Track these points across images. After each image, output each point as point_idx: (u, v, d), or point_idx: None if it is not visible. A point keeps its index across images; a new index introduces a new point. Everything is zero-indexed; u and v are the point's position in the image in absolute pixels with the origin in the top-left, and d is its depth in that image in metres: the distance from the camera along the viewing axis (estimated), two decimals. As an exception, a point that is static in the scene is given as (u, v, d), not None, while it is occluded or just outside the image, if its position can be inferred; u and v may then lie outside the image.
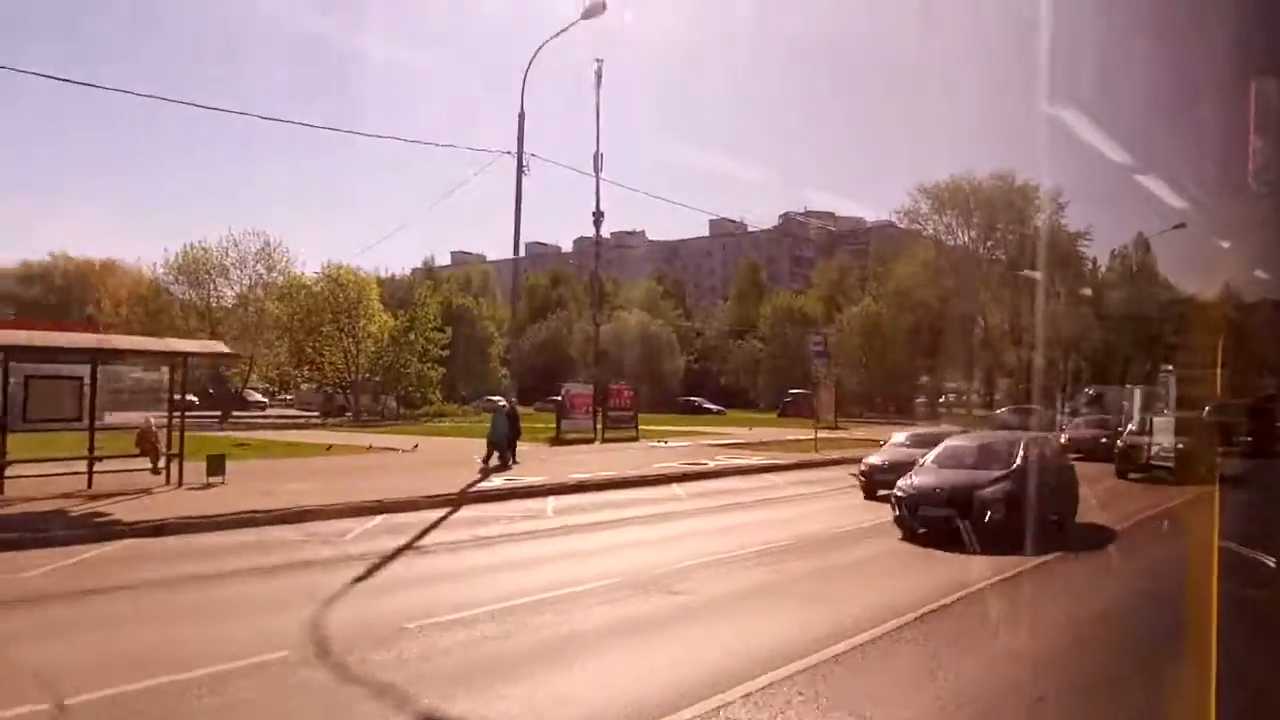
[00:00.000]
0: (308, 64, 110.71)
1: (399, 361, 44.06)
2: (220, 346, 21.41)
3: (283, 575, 9.99)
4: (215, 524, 12.46)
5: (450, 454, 24.37)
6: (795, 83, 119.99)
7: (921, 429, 21.77)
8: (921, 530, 12.48)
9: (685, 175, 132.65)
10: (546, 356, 76.01)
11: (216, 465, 16.44)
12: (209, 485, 15.95)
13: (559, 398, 31.44)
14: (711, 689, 6.12)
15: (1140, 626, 8.10)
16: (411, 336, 44.48)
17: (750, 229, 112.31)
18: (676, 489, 18.70)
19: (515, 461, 22.20)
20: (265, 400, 52.35)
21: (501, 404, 24.89)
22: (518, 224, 24.40)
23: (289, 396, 53.25)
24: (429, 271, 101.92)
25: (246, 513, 13.17)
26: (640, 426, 34.86)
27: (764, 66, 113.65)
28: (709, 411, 59.97)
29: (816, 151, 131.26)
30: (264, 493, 15.02)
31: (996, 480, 12.36)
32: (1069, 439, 25.87)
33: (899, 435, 19.56)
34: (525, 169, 23.91)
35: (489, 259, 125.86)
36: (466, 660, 6.82)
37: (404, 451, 25.37)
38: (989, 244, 57.54)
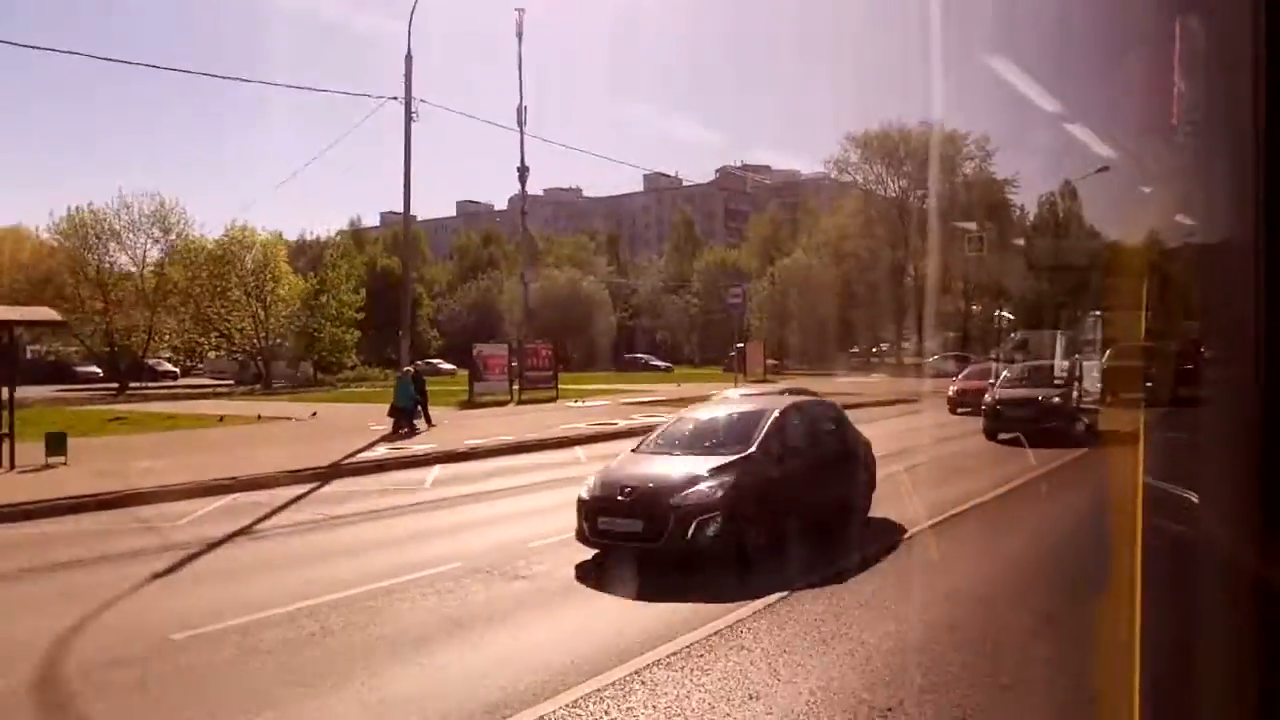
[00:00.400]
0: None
1: (311, 326, 41.87)
2: (48, 314, 19.27)
3: (73, 572, 8.60)
4: (22, 513, 10.95)
5: (349, 422, 22.91)
6: (733, 37, 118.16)
7: (764, 387, 20.80)
8: (601, 548, 8.33)
9: (627, 133, 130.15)
10: (478, 317, 74.09)
11: (56, 444, 14.78)
12: (47, 466, 14.33)
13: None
14: (535, 696, 5.18)
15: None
16: (323, 299, 42.27)
17: (686, 184, 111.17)
18: (579, 452, 17.56)
19: (429, 426, 21.24)
20: (176, 370, 49.74)
21: (405, 369, 23.46)
22: (407, 177, 22.76)
23: (202, 366, 50.73)
24: (355, 233, 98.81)
25: (71, 498, 11.67)
26: (568, 386, 33.67)
27: (705, 20, 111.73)
28: (657, 368, 59.29)
29: (756, 107, 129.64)
30: (105, 474, 13.48)
31: (711, 476, 8.12)
32: (955, 391, 24.42)
33: (732, 392, 18.25)
34: (415, 116, 22.23)
35: (420, 219, 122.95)
36: (223, 683, 5.60)
37: (298, 421, 23.79)
38: (919, 193, 57.09)
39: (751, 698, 5.10)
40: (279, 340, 41.81)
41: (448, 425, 21.96)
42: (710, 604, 6.84)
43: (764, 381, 40.08)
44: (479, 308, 75.93)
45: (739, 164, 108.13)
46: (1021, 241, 67.31)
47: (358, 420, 22.91)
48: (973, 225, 68.36)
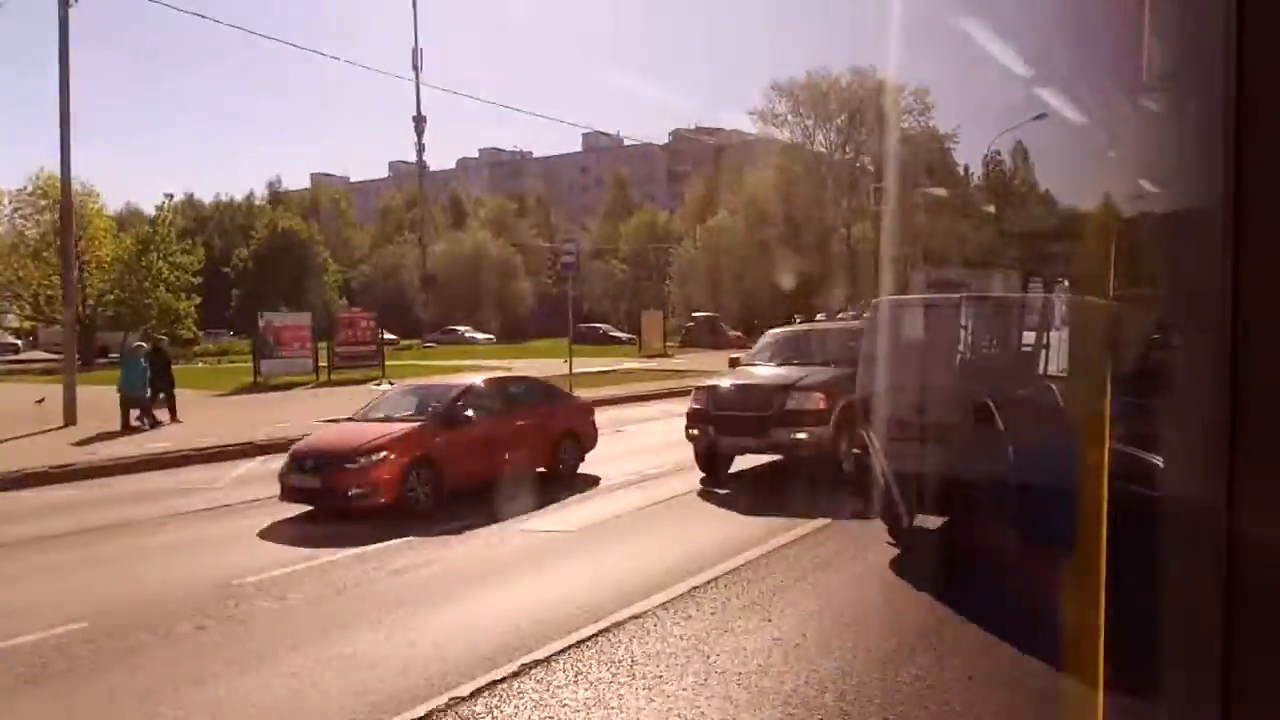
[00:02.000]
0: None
1: (138, 292, 36.34)
2: None
3: None
4: None
5: (90, 407, 17.56)
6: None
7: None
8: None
9: (587, 97, 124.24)
10: (394, 283, 68.74)
11: None
12: None
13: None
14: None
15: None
16: (147, 261, 36.68)
17: (627, 143, 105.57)
18: (239, 469, 12.53)
19: (174, 419, 17.04)
20: (17, 343, 44.22)
21: (138, 345, 18.61)
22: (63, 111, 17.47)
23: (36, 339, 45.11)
24: (274, 195, 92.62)
25: None
26: (439, 361, 28.83)
27: None
28: (618, 340, 52.24)
29: (726, 71, 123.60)
30: None
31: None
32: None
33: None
34: None
35: (353, 180, 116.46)
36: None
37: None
38: (851, 148, 52.49)
39: None
40: (100, 309, 36.31)
41: (189, 420, 17.10)
42: None
43: (661, 356, 35.64)
44: (394, 274, 70.57)
45: (693, 126, 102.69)
46: (992, 208, 64.14)
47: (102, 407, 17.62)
48: (942, 190, 64.61)
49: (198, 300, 39.78)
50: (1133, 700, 1.64)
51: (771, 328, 40.67)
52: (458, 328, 52.16)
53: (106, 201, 37.43)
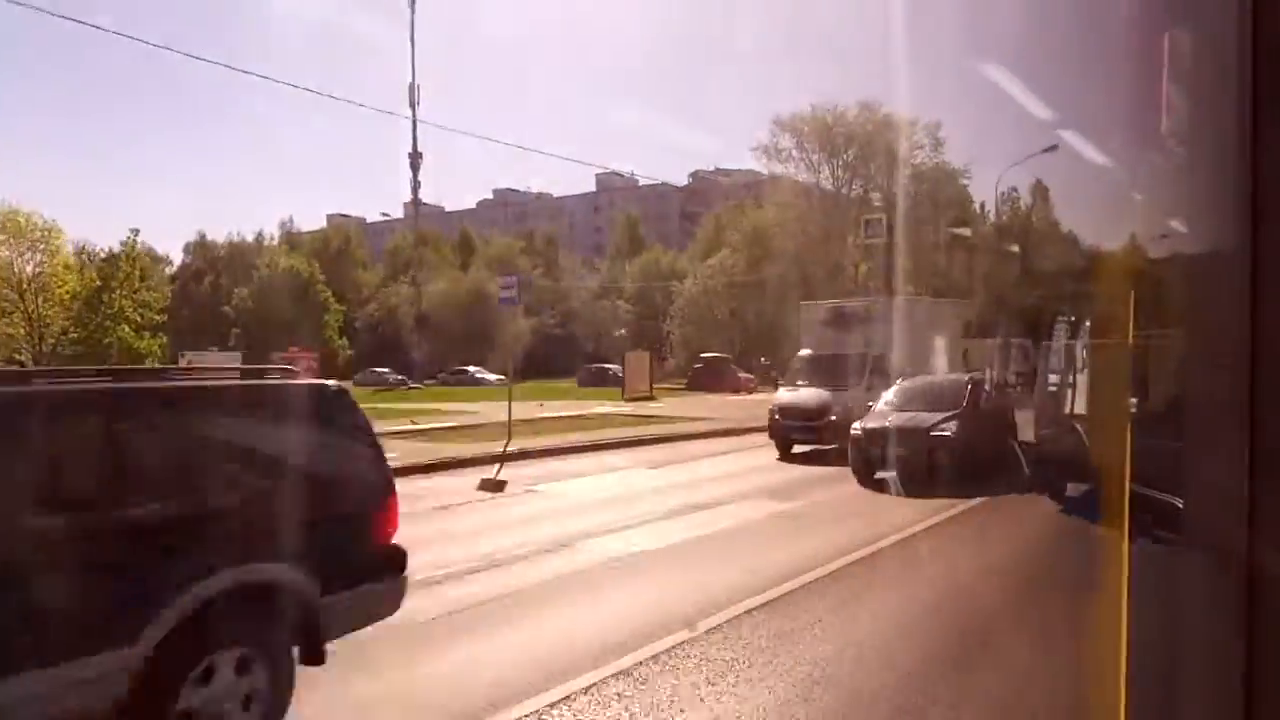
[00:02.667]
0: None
1: (98, 330, 34.92)
2: None
3: None
4: None
5: None
6: (718, 38, 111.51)
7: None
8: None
9: (608, 138, 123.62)
10: (393, 324, 67.48)
11: None
12: None
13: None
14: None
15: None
16: (108, 298, 35.32)
17: (642, 183, 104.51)
18: None
19: None
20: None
21: None
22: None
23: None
24: (287, 235, 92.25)
25: None
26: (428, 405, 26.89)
27: (694, 20, 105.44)
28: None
29: (747, 114, 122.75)
30: None
31: None
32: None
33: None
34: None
35: (369, 220, 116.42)
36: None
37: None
38: (857, 182, 50.42)
39: None
40: (60, 348, 34.90)
41: None
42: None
43: (645, 399, 33.42)
44: (395, 315, 69.30)
45: (712, 169, 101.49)
46: (1016, 248, 61.94)
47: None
48: (966, 231, 62.33)
49: (163, 340, 38.27)
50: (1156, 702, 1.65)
51: (772, 367, 37.11)
52: (469, 368, 50.37)
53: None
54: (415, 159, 51.48)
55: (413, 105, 49.82)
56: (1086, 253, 65.66)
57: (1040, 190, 66.64)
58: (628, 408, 27.72)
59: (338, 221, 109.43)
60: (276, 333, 63.10)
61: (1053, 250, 63.03)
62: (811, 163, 49.91)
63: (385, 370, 50.50)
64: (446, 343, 54.06)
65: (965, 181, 53.13)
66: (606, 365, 47.76)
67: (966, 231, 63.00)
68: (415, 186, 51.95)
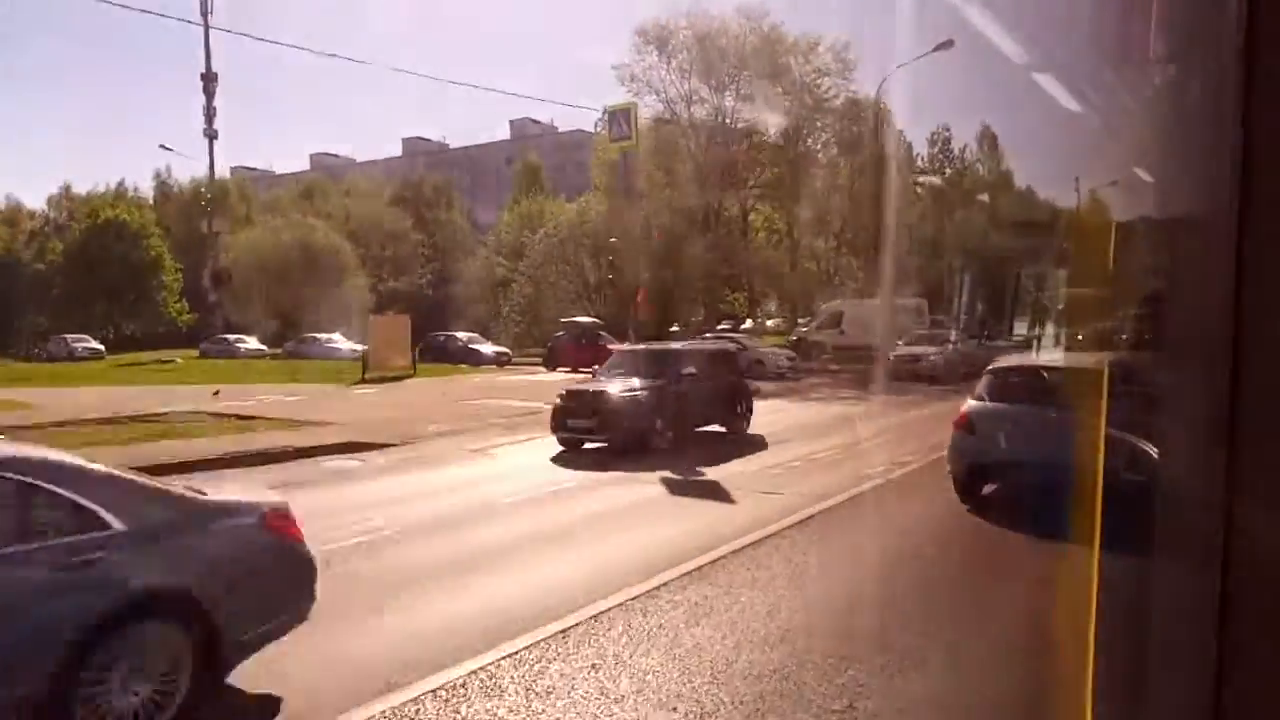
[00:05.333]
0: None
1: None
2: None
3: None
4: None
5: None
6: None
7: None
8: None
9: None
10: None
11: None
12: None
13: None
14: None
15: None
16: None
17: (560, 131, 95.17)
18: None
19: None
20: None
21: None
22: None
23: None
24: (161, 185, 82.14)
25: None
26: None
27: None
28: (479, 356, 36.82)
29: None
30: None
31: None
32: None
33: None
34: None
35: (278, 173, 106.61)
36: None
37: None
38: (736, 107, 41.84)
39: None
40: None
41: None
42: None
43: (395, 379, 25.12)
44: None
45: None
46: (985, 197, 54.62)
47: None
48: (936, 179, 54.57)
49: None
50: (1124, 691, 1.59)
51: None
52: (228, 336, 41.69)
53: None
54: (209, 82, 42.29)
55: (204, 13, 40.70)
56: (1045, 205, 58.63)
57: (989, 137, 58.89)
58: (301, 398, 19.21)
59: (240, 174, 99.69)
60: (92, 297, 54.41)
61: (1005, 203, 55.65)
62: (688, 89, 41.20)
63: (234, 337, 41.33)
64: (256, 303, 45.30)
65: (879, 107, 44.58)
66: (456, 334, 38.33)
67: (936, 180, 55.19)
68: (210, 113, 42.62)
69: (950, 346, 27.34)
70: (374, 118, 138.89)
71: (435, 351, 35.22)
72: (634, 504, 9.04)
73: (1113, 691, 1.92)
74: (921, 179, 53.82)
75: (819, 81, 44.26)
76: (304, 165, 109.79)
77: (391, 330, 27.77)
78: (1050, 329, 31.72)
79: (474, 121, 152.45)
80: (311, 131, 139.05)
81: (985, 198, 55.60)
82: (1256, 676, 1.06)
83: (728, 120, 42.20)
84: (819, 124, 45.38)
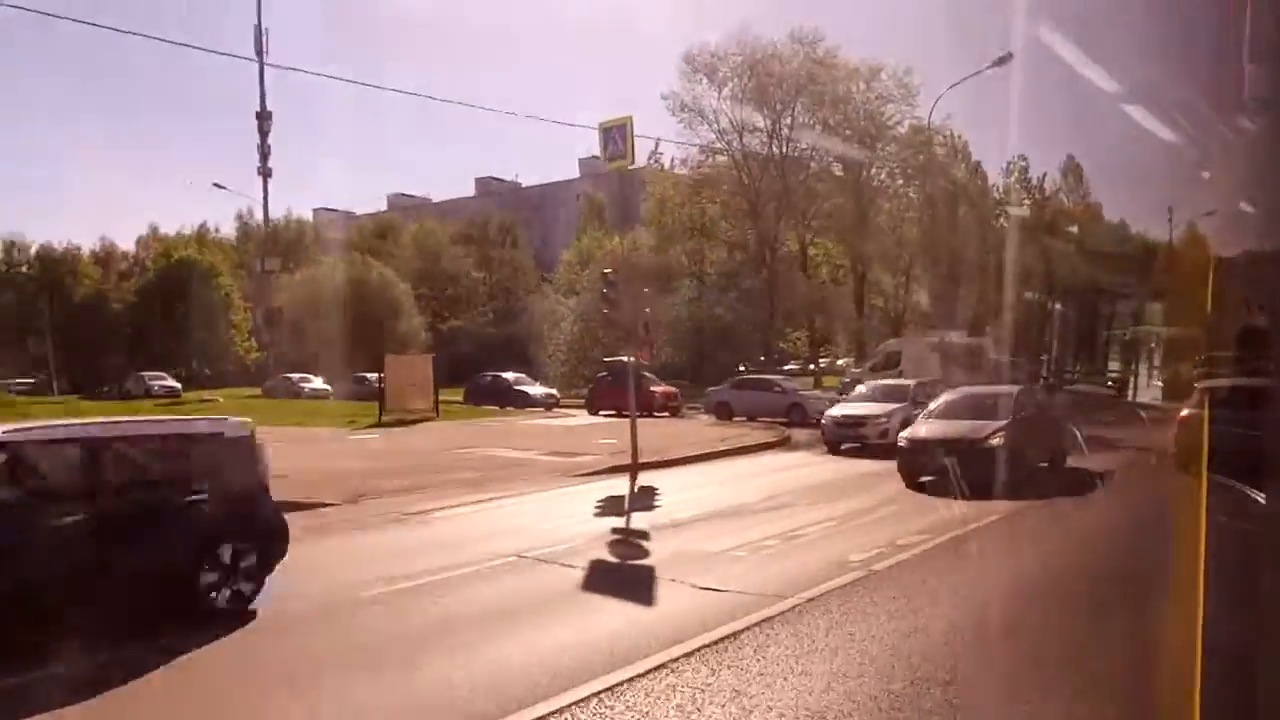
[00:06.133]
0: None
1: None
2: None
3: None
4: None
5: None
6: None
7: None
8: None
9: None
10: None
11: None
12: None
13: None
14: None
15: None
16: None
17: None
18: None
19: None
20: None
21: None
22: None
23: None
24: (245, 228, 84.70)
25: None
26: None
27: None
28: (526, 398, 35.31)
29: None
30: None
31: None
32: None
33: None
34: None
35: (359, 212, 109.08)
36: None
37: None
38: (792, 135, 39.78)
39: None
40: None
41: None
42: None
43: (413, 422, 23.76)
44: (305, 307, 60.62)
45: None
46: (1075, 229, 51.52)
47: None
48: (1021, 210, 51.78)
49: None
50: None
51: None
52: (292, 375, 41.42)
53: None
54: (263, 120, 42.71)
55: (259, 53, 41.21)
56: (1137, 239, 54.60)
57: (1074, 168, 55.27)
58: (281, 442, 18.07)
59: (321, 215, 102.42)
60: (164, 337, 55.48)
61: (1095, 235, 52.17)
62: (738, 118, 39.44)
63: (298, 376, 40.95)
64: (307, 343, 45.03)
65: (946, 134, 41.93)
66: (503, 375, 36.33)
67: (1024, 211, 52.20)
68: (262, 150, 42.96)
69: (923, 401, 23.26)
70: (452, 159, 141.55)
71: (481, 392, 34.01)
72: (519, 604, 7.16)
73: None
74: (1006, 209, 50.61)
75: (882, 109, 42.06)
76: (382, 205, 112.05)
77: (410, 370, 26.58)
78: (1144, 368, 27.84)
79: (548, 160, 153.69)
80: (391, 173, 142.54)
81: (1075, 229, 52.22)
82: None
83: (783, 150, 40.28)
84: (882, 151, 43.02)
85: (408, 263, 58.49)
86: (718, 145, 39.76)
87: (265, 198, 45.83)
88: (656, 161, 43.82)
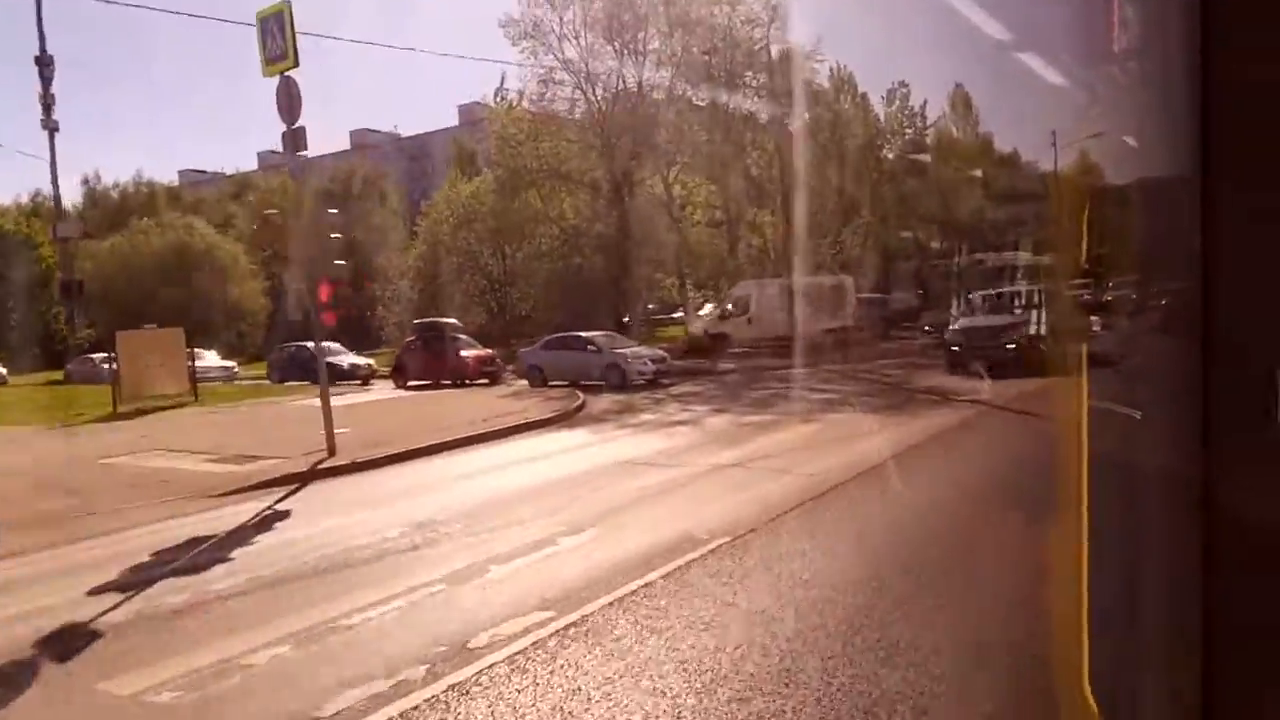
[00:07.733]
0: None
1: None
2: None
3: None
4: None
5: None
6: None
7: None
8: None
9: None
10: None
11: None
12: None
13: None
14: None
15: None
16: None
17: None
18: None
19: None
20: None
21: None
22: None
23: None
24: (90, 191, 76.86)
25: None
26: None
27: None
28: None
29: None
30: None
31: None
32: None
33: None
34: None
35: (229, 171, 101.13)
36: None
37: None
38: (645, 63, 35.86)
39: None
40: None
41: None
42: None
43: (159, 409, 19.53)
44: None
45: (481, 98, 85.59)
46: (980, 173, 49.00)
47: None
48: (925, 155, 48.75)
49: None
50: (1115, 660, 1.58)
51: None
52: (94, 355, 36.19)
53: None
54: (44, 66, 36.52)
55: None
56: (1027, 171, 52.56)
57: (961, 99, 52.59)
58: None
59: (189, 177, 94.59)
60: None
61: (981, 167, 49.84)
62: (587, 43, 35.27)
63: (101, 357, 35.36)
64: (126, 314, 39.72)
65: (819, 60, 38.54)
66: (306, 344, 30.22)
67: (925, 157, 49.34)
68: (44, 98, 36.77)
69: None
70: (333, 113, 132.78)
71: (284, 365, 29.66)
72: None
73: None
74: (886, 138, 47.88)
75: (751, 34, 38.41)
76: (252, 165, 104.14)
77: (153, 347, 22.11)
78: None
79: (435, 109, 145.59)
80: (267, 132, 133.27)
81: (979, 172, 49.97)
82: (1242, 643, 1.05)
83: (639, 79, 36.33)
84: (753, 80, 39.43)
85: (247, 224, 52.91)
86: (559, 76, 35.51)
87: (52, 155, 39.51)
88: (503, 98, 39.50)
